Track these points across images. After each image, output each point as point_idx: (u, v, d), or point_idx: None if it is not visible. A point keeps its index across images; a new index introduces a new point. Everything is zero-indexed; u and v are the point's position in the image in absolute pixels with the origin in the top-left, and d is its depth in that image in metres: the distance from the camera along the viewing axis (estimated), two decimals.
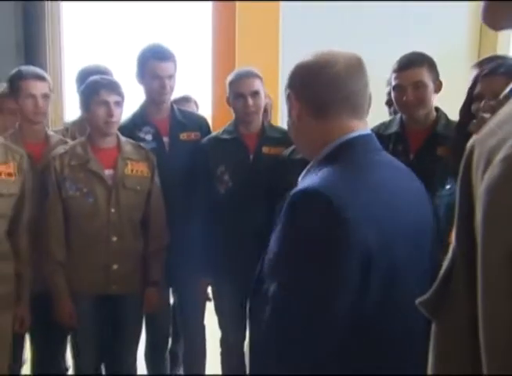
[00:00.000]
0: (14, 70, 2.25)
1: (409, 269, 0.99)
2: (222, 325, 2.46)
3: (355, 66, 1.05)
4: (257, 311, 1.08)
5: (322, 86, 1.05)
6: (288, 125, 1.17)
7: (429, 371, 0.51)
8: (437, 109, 2.09)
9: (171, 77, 2.34)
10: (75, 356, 2.28)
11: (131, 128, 2.39)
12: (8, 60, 3.93)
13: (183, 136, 2.42)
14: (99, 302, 2.22)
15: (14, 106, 2.24)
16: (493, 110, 0.43)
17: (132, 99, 2.51)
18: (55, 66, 3.94)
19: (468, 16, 4.61)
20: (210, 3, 3.71)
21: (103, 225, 2.14)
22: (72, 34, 4.40)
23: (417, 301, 0.49)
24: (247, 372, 1.33)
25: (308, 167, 1.11)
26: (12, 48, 4.20)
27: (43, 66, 3.88)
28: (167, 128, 2.43)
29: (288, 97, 1.10)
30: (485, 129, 0.41)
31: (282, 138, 2.26)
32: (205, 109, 3.51)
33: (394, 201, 1.00)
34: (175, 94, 2.58)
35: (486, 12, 0.50)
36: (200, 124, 2.51)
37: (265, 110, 2.72)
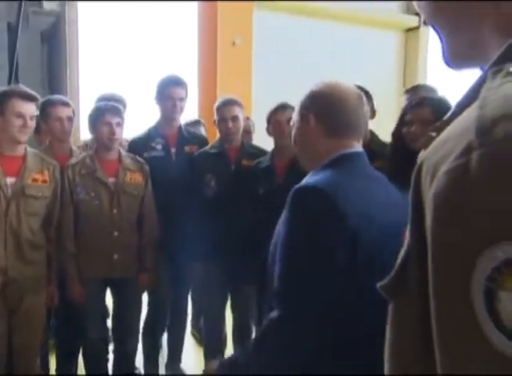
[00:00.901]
0: (44, 99, 2.30)
1: (384, 252, 0.96)
2: (206, 299, 2.51)
3: (360, 99, 1.12)
4: (265, 291, 1.09)
5: (340, 113, 1.09)
6: (295, 139, 1.16)
7: (386, 347, 0.49)
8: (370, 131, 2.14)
9: (182, 99, 2.42)
10: (84, 330, 2.25)
11: (146, 139, 2.45)
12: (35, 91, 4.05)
13: (187, 149, 2.47)
14: (103, 285, 2.26)
15: (45, 128, 2.30)
16: (439, 130, 0.42)
17: (148, 116, 2.62)
18: (72, 96, 4.06)
19: (395, 47, 4.72)
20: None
21: (107, 222, 2.17)
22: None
23: (378, 284, 0.48)
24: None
25: (310, 174, 1.13)
26: (38, 83, 4.32)
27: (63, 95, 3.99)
28: (175, 141, 2.47)
29: (304, 117, 1.11)
30: (432, 146, 0.41)
31: (257, 153, 2.44)
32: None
33: (376, 201, 1.05)
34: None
35: (450, 56, 0.48)
36: (200, 141, 2.58)
37: (249, 131, 2.86)
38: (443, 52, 0.48)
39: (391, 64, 4.60)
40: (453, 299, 0.36)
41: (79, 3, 4.36)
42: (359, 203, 1.00)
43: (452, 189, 0.35)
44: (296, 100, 2.46)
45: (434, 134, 0.46)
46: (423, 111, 1.69)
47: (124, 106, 2.62)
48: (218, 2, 3.68)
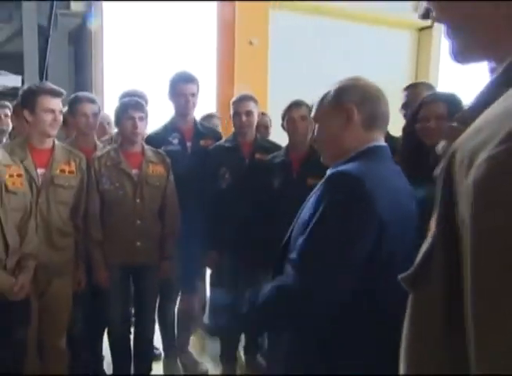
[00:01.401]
0: (72, 95, 2.36)
1: (404, 240, 1.00)
2: (215, 282, 2.52)
3: (385, 95, 1.13)
4: (282, 266, 1.08)
5: (377, 105, 1.09)
6: (322, 132, 1.14)
7: (404, 337, 0.48)
8: None
9: (194, 95, 2.43)
10: (109, 314, 2.30)
11: (163, 134, 2.48)
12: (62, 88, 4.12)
13: (202, 142, 2.49)
14: (126, 272, 2.29)
15: (72, 122, 2.34)
16: (462, 121, 0.42)
17: (164, 112, 2.64)
18: (97, 93, 4.14)
19: (408, 46, 4.65)
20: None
21: (130, 211, 2.20)
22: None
23: (400, 276, 0.47)
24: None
25: (332, 167, 1.12)
26: (65, 80, 4.41)
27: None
28: (191, 135, 2.49)
29: (342, 109, 1.08)
30: (464, 136, 0.40)
31: (270, 147, 2.44)
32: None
33: (399, 194, 1.06)
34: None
35: (459, 51, 0.47)
36: (215, 135, 2.60)
37: (266, 126, 2.89)
38: (452, 47, 0.47)
39: (404, 63, 4.55)
40: (496, 283, 0.34)
41: (104, 4, 4.42)
42: (387, 194, 1.01)
43: (495, 174, 0.34)
44: (310, 98, 2.47)
45: (455, 124, 0.46)
46: (439, 107, 1.68)
47: (146, 101, 2.65)
48: (236, 3, 3.71)
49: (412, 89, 2.30)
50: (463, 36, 0.46)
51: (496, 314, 0.34)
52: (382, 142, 1.12)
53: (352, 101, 1.08)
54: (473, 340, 0.36)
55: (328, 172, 1.11)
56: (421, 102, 1.77)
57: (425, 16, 0.50)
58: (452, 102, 1.69)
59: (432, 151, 1.59)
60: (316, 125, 1.15)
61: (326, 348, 1.00)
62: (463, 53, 0.47)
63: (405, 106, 2.25)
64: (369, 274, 0.97)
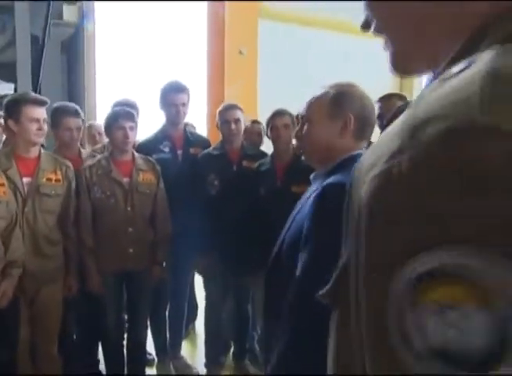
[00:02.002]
0: (55, 106, 2.29)
1: None
2: (208, 286, 2.50)
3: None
4: (275, 278, 1.06)
5: (371, 116, 1.09)
6: (310, 136, 1.09)
7: (329, 357, 0.45)
8: None
9: (185, 104, 2.44)
10: (103, 320, 2.26)
11: (154, 142, 2.47)
12: (56, 98, 4.10)
13: (192, 150, 2.49)
14: (119, 276, 2.26)
15: (56, 134, 2.29)
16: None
17: (154, 121, 2.63)
18: (89, 101, 4.11)
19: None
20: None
21: (122, 219, 2.18)
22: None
23: (317, 294, 0.44)
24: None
25: (316, 172, 1.11)
26: (58, 89, 4.38)
27: (81, 102, 4.05)
28: (182, 143, 2.48)
29: (338, 116, 1.05)
30: (365, 153, 0.38)
31: (257, 154, 2.47)
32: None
33: None
34: None
35: (395, 61, 0.43)
36: (204, 143, 2.59)
37: (260, 134, 2.87)
38: (391, 58, 0.43)
39: (388, 71, 4.59)
40: (373, 310, 0.32)
41: (96, 13, 4.40)
42: None
43: (376, 194, 0.31)
44: (298, 107, 2.47)
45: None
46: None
47: (137, 111, 2.63)
48: (226, 14, 3.71)
49: (386, 100, 2.34)
50: (396, 43, 0.42)
51: (374, 340, 0.32)
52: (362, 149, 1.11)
53: (351, 110, 1.05)
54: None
55: (313, 181, 1.09)
56: (395, 112, 1.78)
57: (365, 25, 0.44)
58: None
59: None
60: (306, 124, 1.10)
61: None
62: (401, 63, 0.43)
63: (379, 117, 2.27)
64: None
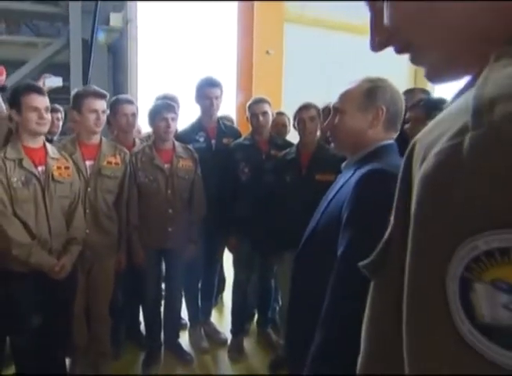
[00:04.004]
0: (113, 98, 2.37)
1: None
2: (236, 262, 2.51)
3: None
4: (307, 260, 1.03)
5: (400, 107, 1.06)
6: (342, 128, 1.06)
7: (364, 320, 0.43)
8: None
9: (218, 98, 2.43)
10: (144, 290, 2.33)
11: (190, 132, 2.48)
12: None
13: (225, 140, 2.49)
14: (159, 252, 2.32)
15: (113, 122, 2.34)
16: (421, 119, 0.41)
17: (191, 113, 2.64)
18: (131, 97, 4.16)
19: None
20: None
21: (163, 201, 2.21)
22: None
23: (360, 264, 0.42)
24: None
25: (348, 160, 1.07)
26: (104, 87, 4.45)
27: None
28: (215, 133, 2.49)
29: (372, 109, 1.03)
30: (426, 128, 0.34)
31: (283, 144, 2.44)
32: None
33: None
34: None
35: (432, 75, 0.40)
36: (235, 134, 2.59)
37: (285, 125, 2.80)
38: (427, 72, 0.40)
39: (403, 73, 4.48)
40: (428, 284, 0.29)
41: (138, 22, 4.46)
42: None
43: (440, 170, 0.29)
44: (320, 101, 2.44)
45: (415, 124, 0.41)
46: (417, 110, 1.69)
47: (178, 103, 2.64)
48: (255, 17, 3.69)
49: (410, 94, 2.28)
50: (427, 55, 0.39)
51: (423, 311, 0.30)
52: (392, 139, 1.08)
53: (383, 103, 1.04)
54: (404, 343, 0.31)
55: (344, 170, 1.06)
56: (405, 106, 1.78)
57: (400, 51, 0.41)
58: (432, 105, 1.68)
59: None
60: (339, 115, 1.07)
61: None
62: (434, 74, 0.40)
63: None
64: None
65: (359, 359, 0.44)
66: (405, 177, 0.36)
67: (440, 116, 0.33)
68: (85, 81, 4.22)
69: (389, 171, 0.90)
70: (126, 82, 4.43)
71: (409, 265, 0.31)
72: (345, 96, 1.07)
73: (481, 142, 0.27)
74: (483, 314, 0.26)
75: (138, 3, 4.43)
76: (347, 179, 1.01)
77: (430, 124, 0.34)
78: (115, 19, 4.46)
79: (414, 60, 0.40)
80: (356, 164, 1.03)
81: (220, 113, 2.62)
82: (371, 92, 1.05)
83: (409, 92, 2.31)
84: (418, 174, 0.31)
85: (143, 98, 4.32)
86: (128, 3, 4.38)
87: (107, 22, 4.54)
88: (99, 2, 4.24)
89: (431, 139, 0.31)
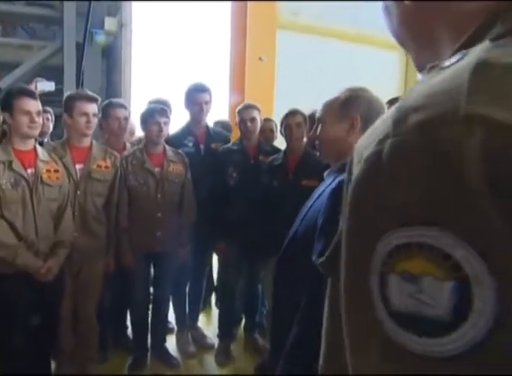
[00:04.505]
0: (106, 101, 2.33)
1: None
2: (223, 268, 2.52)
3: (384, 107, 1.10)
4: (286, 266, 1.04)
5: (378, 115, 1.12)
6: (324, 137, 1.09)
7: (324, 322, 0.44)
8: None
9: (207, 103, 2.43)
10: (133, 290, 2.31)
11: (179, 137, 2.48)
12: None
13: (213, 145, 2.48)
14: (148, 256, 2.29)
15: (105, 125, 2.31)
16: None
17: (180, 118, 2.63)
18: (125, 100, 4.16)
19: (398, 65, 4.60)
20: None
21: (153, 205, 2.20)
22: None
23: (316, 261, 0.45)
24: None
25: (331, 168, 1.08)
26: (98, 89, 4.45)
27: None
28: (204, 139, 2.48)
29: (347, 118, 1.04)
30: (362, 136, 0.36)
31: (272, 150, 2.45)
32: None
33: None
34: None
35: (415, 64, 0.42)
36: (224, 139, 2.58)
37: (272, 130, 2.83)
38: (413, 62, 0.43)
39: (393, 81, 4.52)
40: (356, 281, 0.31)
41: (133, 26, 4.46)
42: None
43: (365, 175, 0.31)
44: (310, 109, 2.46)
45: None
46: None
47: (170, 108, 2.63)
48: (248, 23, 3.71)
49: (394, 103, 2.29)
50: (411, 48, 0.41)
51: (352, 308, 0.32)
52: None
53: (358, 111, 1.05)
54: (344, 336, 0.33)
55: (327, 178, 1.07)
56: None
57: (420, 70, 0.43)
58: None
59: None
60: (320, 125, 1.11)
61: None
62: (419, 65, 0.41)
63: None
64: None
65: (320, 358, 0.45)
66: (348, 181, 0.37)
67: (376, 122, 0.34)
68: (79, 83, 4.21)
69: None
70: (120, 85, 4.43)
71: (342, 263, 0.33)
72: (325, 107, 1.11)
73: (396, 149, 0.29)
74: (395, 303, 0.28)
75: (133, 8, 4.44)
76: (326, 187, 1.03)
77: (368, 130, 0.35)
78: (110, 24, 4.46)
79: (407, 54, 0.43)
80: (336, 173, 1.05)
81: (213, 118, 2.62)
82: (346, 102, 1.07)
83: (393, 101, 2.32)
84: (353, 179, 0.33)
85: (137, 101, 4.31)
86: (123, 8, 4.38)
87: (102, 26, 4.54)
88: (93, 5, 4.24)
89: (364, 144, 0.33)
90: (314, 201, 1.07)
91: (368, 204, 0.30)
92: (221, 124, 3.11)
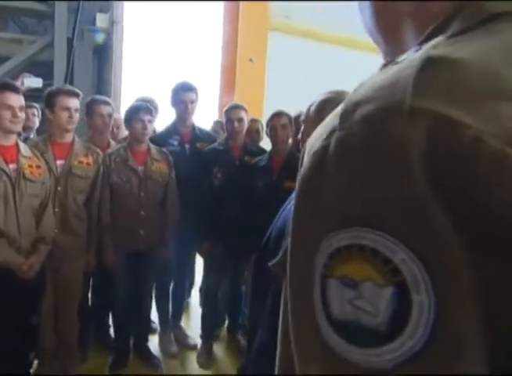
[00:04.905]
0: (89, 98, 2.33)
1: None
2: (207, 268, 2.47)
3: None
4: (263, 265, 1.00)
5: None
6: (305, 139, 1.08)
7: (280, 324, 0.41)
8: None
9: (193, 102, 2.40)
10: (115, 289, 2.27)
11: (165, 136, 2.44)
12: (87, 94, 4.13)
13: (199, 145, 2.45)
14: (130, 254, 2.23)
15: (89, 122, 2.30)
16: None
17: (167, 117, 2.62)
18: (115, 97, 4.12)
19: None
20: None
21: (135, 203, 2.16)
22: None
23: (270, 263, 0.41)
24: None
25: None
26: (89, 86, 4.41)
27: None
28: (189, 138, 2.45)
29: (320, 121, 1.06)
30: (314, 131, 0.33)
31: (257, 151, 2.42)
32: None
33: None
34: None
35: (383, 56, 0.40)
36: (210, 139, 2.55)
37: (258, 131, 2.84)
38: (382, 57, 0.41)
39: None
40: (300, 283, 0.29)
41: (125, 23, 4.41)
42: None
43: (311, 171, 0.29)
44: (300, 109, 2.44)
45: None
46: None
47: (156, 107, 2.62)
48: (240, 24, 3.69)
49: None
50: (381, 46, 0.40)
51: (296, 312, 0.30)
52: None
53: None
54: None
55: None
56: None
57: None
58: None
59: None
60: (303, 126, 1.12)
61: None
62: (385, 58, 0.40)
63: None
64: None
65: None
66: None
67: (327, 118, 0.32)
68: (69, 80, 4.14)
69: None
70: (111, 83, 4.37)
71: (287, 265, 0.31)
72: (306, 110, 1.13)
73: (341, 144, 0.27)
74: (334, 309, 0.26)
75: (125, 5, 4.39)
76: None
77: (319, 126, 0.32)
78: (101, 20, 4.41)
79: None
80: None
81: (202, 118, 2.59)
82: (321, 104, 1.07)
83: None
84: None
85: (128, 99, 4.27)
86: (115, 5, 4.33)
87: (94, 22, 4.48)
88: (85, 1, 4.18)
89: (313, 139, 0.30)
90: (289, 202, 1.06)
91: (311, 202, 0.28)
92: (220, 123, 3.08)
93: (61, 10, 4.35)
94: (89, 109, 2.27)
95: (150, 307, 2.45)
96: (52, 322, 2.07)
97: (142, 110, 2.19)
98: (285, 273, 0.38)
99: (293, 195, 0.98)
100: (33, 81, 2.51)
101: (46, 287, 1.96)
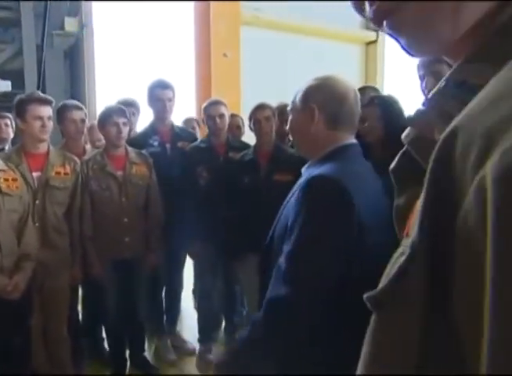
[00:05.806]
0: (60, 104, 2.13)
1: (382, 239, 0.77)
2: (199, 270, 2.34)
3: (357, 96, 0.99)
4: (266, 268, 0.95)
5: (341, 106, 0.95)
6: (293, 129, 1.01)
7: (362, 363, 0.33)
8: None
9: (170, 100, 2.23)
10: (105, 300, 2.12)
11: (144, 137, 2.28)
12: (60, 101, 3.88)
13: (180, 144, 2.29)
14: (117, 263, 2.07)
15: (61, 128, 2.13)
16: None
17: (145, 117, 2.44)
18: (90, 102, 3.87)
19: (358, 58, 4.59)
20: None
21: (117, 210, 2.02)
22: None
23: (365, 296, 0.33)
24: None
25: (308, 163, 1.00)
26: (62, 92, 4.15)
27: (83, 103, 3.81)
28: (170, 137, 2.29)
29: (306, 108, 0.95)
30: (468, 114, 0.25)
31: (241, 146, 2.26)
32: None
33: (373, 190, 0.93)
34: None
35: (413, 51, 0.35)
36: (191, 137, 2.40)
37: (239, 126, 2.66)
38: (405, 46, 0.35)
39: (355, 73, 4.50)
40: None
41: (94, 26, 4.14)
42: (362, 192, 0.86)
43: None
44: (278, 102, 2.29)
45: (423, 108, 0.34)
46: (370, 108, 1.60)
47: (138, 108, 2.45)
48: (211, 20, 3.49)
49: (361, 92, 2.13)
50: (411, 36, 0.34)
51: None
52: (351, 139, 0.98)
53: (315, 102, 0.95)
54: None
55: (304, 173, 0.98)
56: (368, 101, 1.66)
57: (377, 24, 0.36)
58: (385, 104, 1.63)
59: (372, 147, 1.55)
60: (290, 116, 1.03)
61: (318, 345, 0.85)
62: (416, 52, 0.35)
63: None
64: (353, 271, 0.83)
65: None
66: (438, 178, 0.27)
67: (489, 94, 0.25)
68: (40, 87, 3.86)
69: (329, 177, 0.86)
70: (84, 87, 4.10)
71: (494, 285, 0.22)
72: (293, 99, 1.02)
73: None
74: None
75: (94, 7, 4.10)
76: (299, 185, 0.93)
77: (476, 106, 0.25)
78: (70, 24, 4.11)
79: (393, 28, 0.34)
80: (314, 167, 0.95)
81: (180, 116, 2.41)
82: (306, 92, 0.98)
83: (360, 90, 2.17)
84: (470, 171, 0.23)
85: (103, 102, 4.00)
86: (83, 8, 4.04)
87: (62, 27, 4.18)
88: (52, 5, 3.89)
89: (492, 123, 0.23)
90: (289, 199, 0.95)
91: None
92: (191, 121, 2.90)
93: (28, 15, 4.04)
94: (60, 115, 2.12)
95: (143, 316, 2.26)
96: (42, 341, 1.91)
97: (115, 112, 2.02)
98: (383, 308, 0.32)
99: (293, 191, 0.82)
100: (1, 85, 2.28)
101: (33, 306, 1.80)
